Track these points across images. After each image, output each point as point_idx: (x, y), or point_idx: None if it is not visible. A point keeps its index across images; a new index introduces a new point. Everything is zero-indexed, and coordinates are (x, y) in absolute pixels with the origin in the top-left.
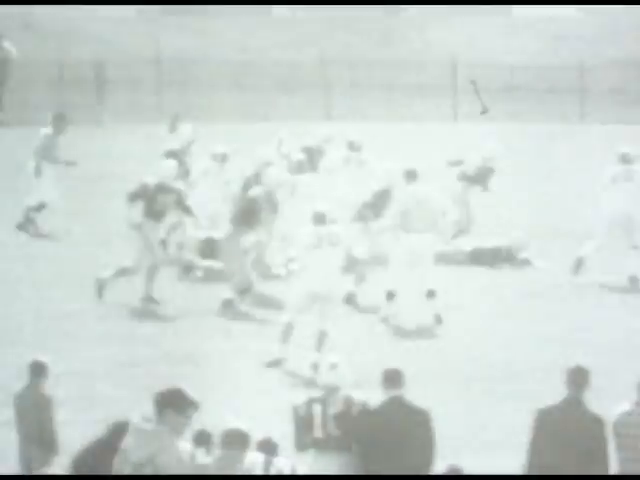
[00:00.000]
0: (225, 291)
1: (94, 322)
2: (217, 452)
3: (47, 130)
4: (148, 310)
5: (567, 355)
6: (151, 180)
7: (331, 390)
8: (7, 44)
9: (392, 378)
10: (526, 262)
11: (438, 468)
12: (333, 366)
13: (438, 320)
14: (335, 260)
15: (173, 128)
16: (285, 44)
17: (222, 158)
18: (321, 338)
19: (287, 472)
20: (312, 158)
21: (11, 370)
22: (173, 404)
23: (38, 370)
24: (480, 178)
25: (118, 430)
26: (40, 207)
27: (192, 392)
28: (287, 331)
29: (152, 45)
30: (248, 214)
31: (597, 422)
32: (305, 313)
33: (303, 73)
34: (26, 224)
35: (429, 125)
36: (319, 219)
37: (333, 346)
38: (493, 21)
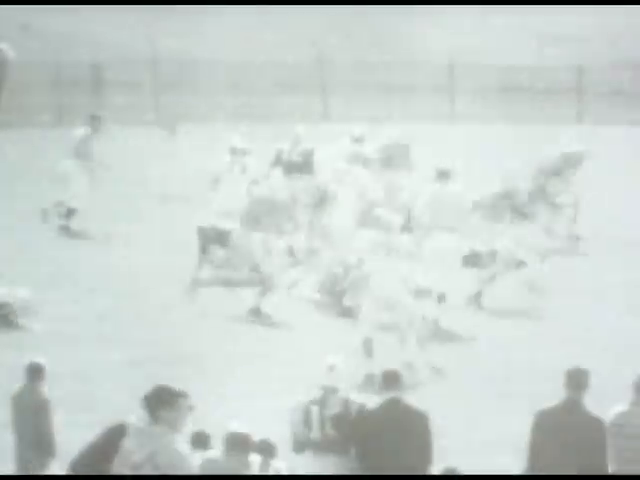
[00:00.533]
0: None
1: (93, 324)
2: (219, 455)
3: (84, 130)
4: (146, 312)
5: (566, 355)
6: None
7: (329, 391)
8: (5, 46)
9: (390, 380)
10: (522, 264)
11: (435, 469)
12: (331, 368)
13: (435, 324)
14: (399, 265)
15: (172, 132)
16: (283, 45)
17: (242, 152)
18: (403, 339)
19: (284, 471)
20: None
21: (9, 371)
22: (163, 402)
23: (36, 372)
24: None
25: (116, 432)
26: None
27: (191, 394)
28: (368, 345)
29: (149, 46)
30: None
31: (596, 423)
32: (377, 322)
33: (301, 74)
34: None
35: (426, 126)
36: (381, 224)
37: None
38: (490, 21)
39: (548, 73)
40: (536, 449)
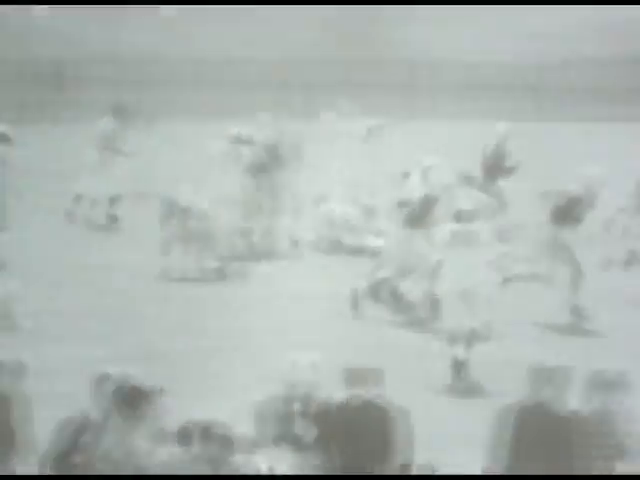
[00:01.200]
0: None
1: (75, 320)
2: (198, 448)
3: (108, 122)
4: (127, 309)
5: (536, 353)
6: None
7: (306, 387)
8: None
9: (372, 376)
10: None
11: (414, 466)
12: (312, 364)
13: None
14: (478, 258)
15: (124, 125)
16: (258, 42)
17: (236, 139)
18: (470, 337)
19: (264, 471)
20: None
21: None
22: (133, 400)
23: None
24: None
25: (76, 427)
26: (114, 200)
27: (172, 391)
28: (471, 336)
29: (112, 43)
30: None
31: (563, 421)
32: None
33: (279, 71)
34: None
35: (391, 123)
36: (458, 217)
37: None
38: (452, 20)
39: (509, 70)
40: (502, 446)
